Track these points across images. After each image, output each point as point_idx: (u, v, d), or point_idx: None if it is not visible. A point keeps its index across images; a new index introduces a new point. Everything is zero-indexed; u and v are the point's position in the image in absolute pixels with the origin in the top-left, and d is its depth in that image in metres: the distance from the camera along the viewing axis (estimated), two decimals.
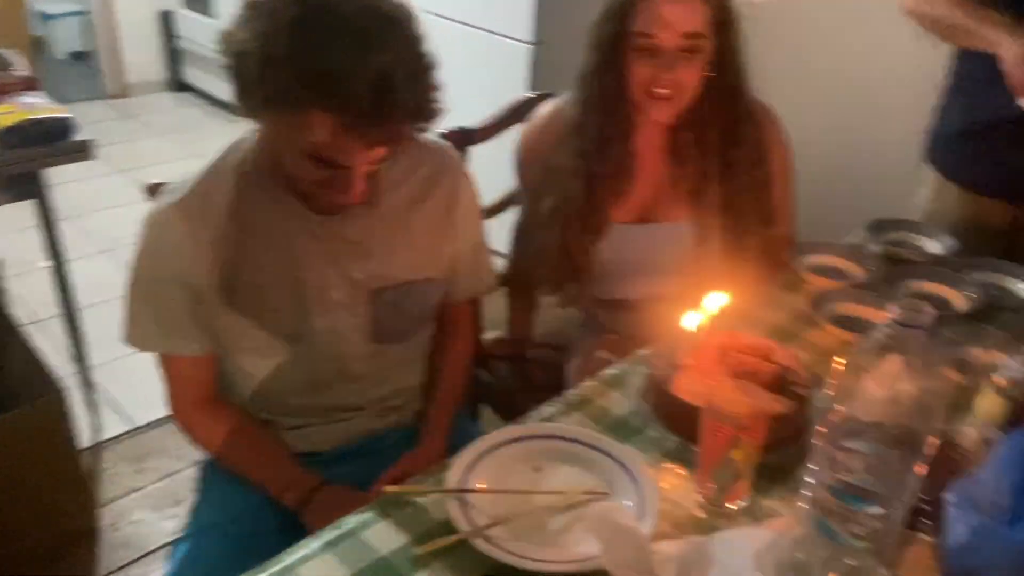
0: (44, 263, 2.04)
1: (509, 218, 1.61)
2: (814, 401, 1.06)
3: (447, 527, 0.91)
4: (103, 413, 2.27)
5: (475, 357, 1.45)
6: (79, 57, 5.04)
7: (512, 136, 1.55)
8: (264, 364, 1.20)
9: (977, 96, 1.58)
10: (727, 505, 0.96)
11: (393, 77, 0.94)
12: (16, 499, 1.66)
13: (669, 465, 1.04)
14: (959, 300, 1.38)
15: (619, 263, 1.46)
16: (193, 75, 4.70)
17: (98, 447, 2.21)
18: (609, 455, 1.02)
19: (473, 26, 2.83)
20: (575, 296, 1.53)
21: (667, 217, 1.44)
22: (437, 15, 2.79)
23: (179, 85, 4.82)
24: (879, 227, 1.59)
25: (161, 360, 1.20)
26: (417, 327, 1.28)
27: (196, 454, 1.31)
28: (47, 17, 4.97)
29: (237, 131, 1.16)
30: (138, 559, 1.91)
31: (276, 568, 0.88)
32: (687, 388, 1.07)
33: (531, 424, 1.10)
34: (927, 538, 0.90)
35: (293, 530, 1.06)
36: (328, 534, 0.93)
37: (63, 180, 2.09)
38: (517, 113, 1.64)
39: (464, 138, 1.55)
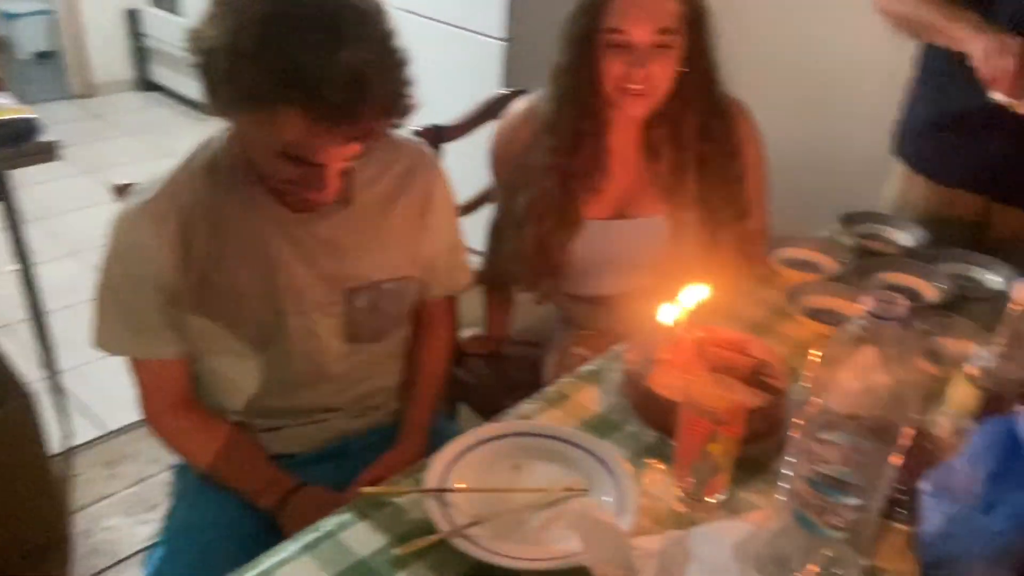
0: (11, 266, 2.00)
1: (484, 215, 1.61)
2: (790, 394, 1.07)
3: (426, 527, 0.91)
4: (74, 418, 2.24)
5: (452, 355, 1.44)
6: (44, 57, 4.95)
7: (486, 133, 1.55)
8: (238, 366, 1.18)
9: (944, 89, 1.61)
10: (706, 499, 0.96)
11: (366, 72, 0.93)
12: None
13: (648, 460, 1.04)
14: (930, 291, 1.40)
15: (595, 259, 1.46)
16: (161, 74, 4.64)
17: (69, 453, 2.17)
18: (588, 451, 1.02)
19: (445, 23, 2.82)
20: (551, 293, 1.53)
21: (642, 212, 1.44)
22: (409, 12, 2.78)
23: (146, 84, 4.75)
24: (851, 220, 1.60)
25: (132, 364, 1.18)
26: (393, 326, 1.27)
27: (169, 458, 1.29)
28: (10, 16, 4.88)
29: (206, 130, 1.14)
30: (112, 566, 1.88)
31: (253, 573, 0.87)
32: (664, 383, 1.07)
33: (509, 422, 1.09)
34: (903, 527, 0.91)
35: (269, 534, 1.04)
36: (306, 537, 0.92)
37: (29, 182, 2.06)
38: (490, 110, 1.63)
39: (438, 135, 1.55)
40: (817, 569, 0.83)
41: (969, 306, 1.37)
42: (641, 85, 1.30)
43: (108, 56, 4.60)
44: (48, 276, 2.14)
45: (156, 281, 1.10)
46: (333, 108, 0.93)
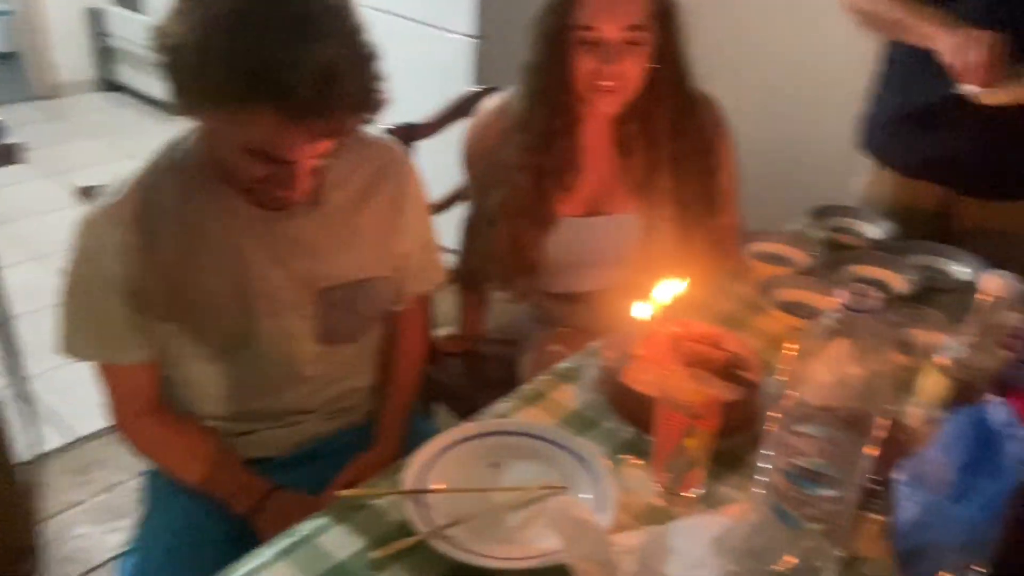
0: None
1: (457, 214, 1.60)
2: (765, 387, 1.08)
3: (405, 529, 0.90)
4: (41, 425, 2.19)
5: (427, 355, 1.43)
6: (4, 58, 4.84)
7: (457, 131, 1.54)
8: (209, 369, 1.17)
9: (907, 83, 1.63)
10: (683, 493, 0.97)
11: (336, 67, 0.92)
12: None
13: (625, 456, 1.04)
14: (900, 283, 1.42)
15: (569, 256, 1.46)
16: (125, 74, 4.56)
17: (37, 460, 2.13)
18: (566, 449, 1.02)
19: (415, 20, 2.81)
20: (526, 290, 1.52)
21: (615, 209, 1.44)
22: (377, 9, 2.76)
23: (110, 85, 4.67)
24: (820, 213, 1.62)
25: (100, 369, 1.15)
26: (367, 327, 1.26)
27: (140, 464, 1.27)
28: None
29: (172, 131, 1.13)
30: (83, 575, 1.85)
31: None
32: (640, 378, 1.07)
33: (486, 421, 1.09)
34: (878, 517, 0.92)
35: (244, 540, 1.03)
36: (282, 542, 0.91)
37: None
38: (462, 108, 1.63)
39: (409, 134, 1.54)
40: (795, 561, 0.84)
41: (937, 297, 1.39)
42: (612, 82, 1.31)
43: (70, 56, 4.51)
44: (12, 281, 2.09)
45: (123, 285, 1.08)
46: (304, 104, 0.92)
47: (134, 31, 4.24)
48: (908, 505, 0.87)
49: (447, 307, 1.63)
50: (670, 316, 1.08)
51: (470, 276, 1.59)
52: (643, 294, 1.07)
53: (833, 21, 1.70)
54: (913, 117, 1.63)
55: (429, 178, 1.30)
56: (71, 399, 2.31)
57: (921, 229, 1.61)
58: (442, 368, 1.64)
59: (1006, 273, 1.04)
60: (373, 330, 1.29)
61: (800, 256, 1.50)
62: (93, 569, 1.86)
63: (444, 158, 1.52)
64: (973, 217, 1.66)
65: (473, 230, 1.54)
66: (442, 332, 1.67)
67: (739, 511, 0.94)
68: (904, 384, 1.09)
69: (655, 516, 0.95)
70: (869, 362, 0.79)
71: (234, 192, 1.08)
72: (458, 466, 1.00)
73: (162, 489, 1.23)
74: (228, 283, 1.12)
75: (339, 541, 0.90)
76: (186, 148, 1.10)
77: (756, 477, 0.89)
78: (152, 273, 1.08)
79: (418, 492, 0.94)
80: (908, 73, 1.62)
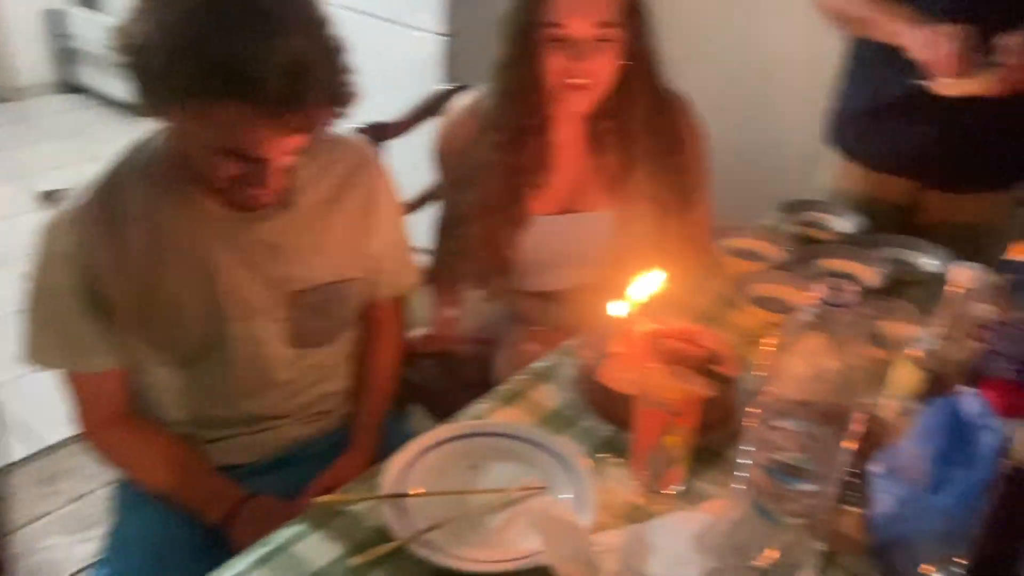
0: None
1: (429, 214, 1.58)
2: (743, 383, 1.08)
3: (383, 534, 0.89)
4: (7, 434, 2.14)
5: (401, 356, 1.42)
6: None
7: (428, 130, 1.53)
8: (180, 375, 1.15)
9: (872, 77, 1.66)
10: (663, 491, 0.97)
11: (304, 59, 0.91)
12: None
13: (604, 455, 1.04)
14: (870, 276, 1.43)
15: (543, 255, 1.45)
16: (87, 75, 4.47)
17: (4, 471, 2.08)
18: (545, 448, 1.01)
19: (383, 18, 2.78)
20: (500, 289, 1.52)
21: (588, 207, 1.44)
22: (344, 8, 2.73)
23: (71, 87, 4.58)
24: (791, 208, 1.63)
25: (67, 377, 1.13)
26: (340, 329, 1.25)
27: (109, 473, 1.24)
28: None
29: (136, 132, 1.10)
30: None
31: None
32: (618, 376, 1.07)
33: (463, 422, 1.08)
34: (855, 510, 0.92)
35: (218, 549, 1.01)
36: (258, 550, 0.89)
37: None
38: (432, 106, 1.61)
39: (379, 133, 1.52)
40: (776, 555, 0.84)
41: (908, 290, 1.40)
42: (583, 79, 1.30)
43: (29, 58, 4.42)
44: None
45: (88, 291, 1.06)
46: (274, 99, 0.90)
47: (96, 31, 4.16)
48: (885, 497, 0.88)
49: (421, 308, 1.62)
50: (646, 313, 1.08)
51: (443, 276, 1.58)
52: (618, 291, 1.07)
53: (800, 17, 1.72)
54: (879, 111, 1.65)
55: (401, 177, 1.29)
56: (38, 407, 2.25)
57: (888, 222, 1.63)
58: (417, 369, 1.63)
59: (974, 265, 1.05)
60: (346, 333, 1.27)
61: (773, 251, 1.51)
62: None
63: (415, 157, 1.51)
64: (939, 210, 1.68)
65: (446, 229, 1.53)
66: (416, 333, 1.66)
67: (719, 507, 0.94)
68: (878, 377, 1.10)
69: (636, 514, 0.95)
70: (846, 356, 0.79)
71: (203, 194, 1.06)
72: (437, 469, 0.99)
73: (133, 498, 1.20)
74: (197, 288, 1.09)
75: (316, 548, 0.89)
76: (152, 150, 1.08)
77: (735, 473, 0.89)
78: (118, 279, 1.06)
79: (396, 496, 0.93)
80: (874, 68, 1.64)
